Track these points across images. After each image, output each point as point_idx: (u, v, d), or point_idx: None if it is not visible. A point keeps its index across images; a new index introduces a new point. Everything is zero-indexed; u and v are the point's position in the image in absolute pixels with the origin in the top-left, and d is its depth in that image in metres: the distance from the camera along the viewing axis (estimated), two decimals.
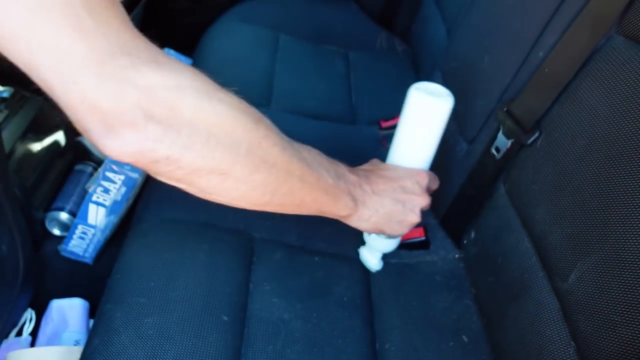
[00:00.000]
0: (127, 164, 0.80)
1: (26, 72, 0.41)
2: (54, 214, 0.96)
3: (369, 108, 1.21)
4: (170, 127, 0.43)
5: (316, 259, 0.84)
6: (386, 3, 1.46)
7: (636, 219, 0.52)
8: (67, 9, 0.39)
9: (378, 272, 0.84)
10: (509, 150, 0.72)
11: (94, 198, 0.84)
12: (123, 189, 0.83)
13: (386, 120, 1.14)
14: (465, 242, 0.84)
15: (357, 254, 0.85)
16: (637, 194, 0.52)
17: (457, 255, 0.86)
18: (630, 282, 0.51)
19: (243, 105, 0.51)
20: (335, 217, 0.67)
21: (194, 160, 0.46)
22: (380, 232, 0.71)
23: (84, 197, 0.90)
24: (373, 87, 1.28)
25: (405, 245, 0.87)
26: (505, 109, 0.73)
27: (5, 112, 0.94)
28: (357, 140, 1.12)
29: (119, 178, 0.82)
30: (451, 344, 0.74)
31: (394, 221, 0.69)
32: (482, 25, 0.88)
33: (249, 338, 0.70)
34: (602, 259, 0.55)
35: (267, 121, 0.53)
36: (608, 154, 0.57)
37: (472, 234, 0.81)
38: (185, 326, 0.69)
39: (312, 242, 0.86)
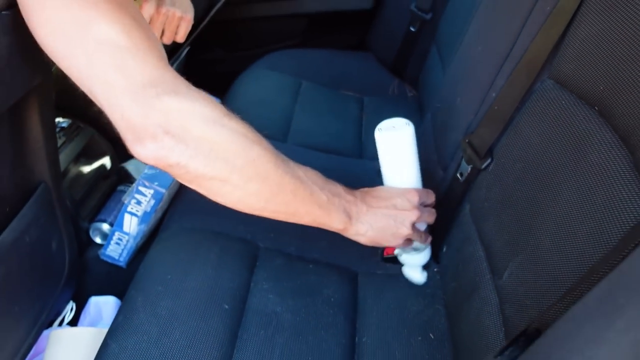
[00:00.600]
0: (157, 180, 0.98)
1: (92, 99, 0.58)
2: (97, 224, 1.14)
3: (374, 145, 1.35)
4: (181, 141, 0.58)
5: (311, 266, 0.97)
6: (399, 54, 1.63)
7: (551, 225, 0.64)
8: (116, 54, 0.56)
9: (364, 280, 0.97)
10: (469, 175, 0.86)
11: (129, 209, 1.02)
12: (152, 202, 1.00)
13: None
14: (439, 255, 0.96)
15: (347, 262, 0.98)
16: (554, 205, 0.65)
17: (435, 269, 0.98)
18: (540, 273, 0.63)
19: (244, 130, 0.64)
20: (332, 230, 0.78)
21: (198, 167, 0.60)
22: (377, 245, 0.82)
23: (119, 215, 1.08)
24: None
25: (390, 259, 1.00)
26: (467, 140, 0.87)
27: (63, 139, 1.13)
28: (362, 171, 1.26)
29: (149, 192, 0.99)
30: (419, 339, 0.86)
31: (388, 234, 0.81)
32: (458, 72, 1.03)
33: (245, 324, 0.84)
34: (525, 258, 0.68)
35: (266, 144, 0.66)
36: (537, 174, 0.70)
37: (444, 248, 0.94)
38: (193, 310, 0.83)
39: (309, 253, 1.00)
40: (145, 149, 0.58)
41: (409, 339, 0.86)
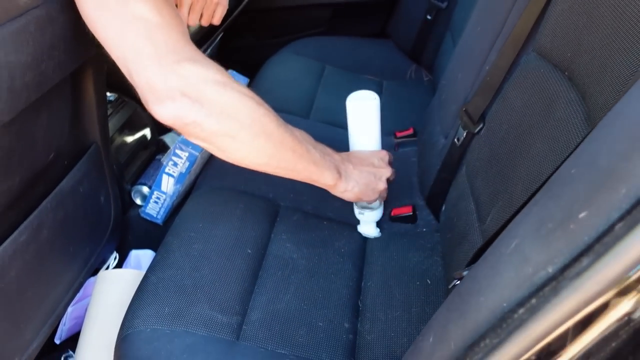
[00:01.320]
0: (191, 144, 1.11)
1: (119, 65, 0.70)
2: (138, 187, 1.29)
3: (389, 122, 1.46)
4: (197, 102, 0.68)
5: (325, 222, 1.10)
6: (416, 41, 1.74)
7: (524, 173, 0.75)
8: (147, 27, 0.67)
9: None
10: (465, 139, 0.97)
11: (166, 170, 1.16)
12: (187, 163, 1.14)
13: (400, 131, 1.39)
14: (440, 214, 1.07)
15: (356, 220, 1.10)
16: (527, 156, 0.75)
17: (437, 228, 1.09)
18: (513, 214, 0.74)
19: (251, 93, 0.74)
20: (323, 186, 0.88)
21: (211, 125, 0.70)
22: (360, 200, 0.96)
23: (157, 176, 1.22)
24: (397, 107, 1.54)
25: (398, 219, 1.12)
26: (464, 109, 0.97)
27: (111, 110, 1.28)
28: None
29: (184, 155, 1.13)
30: (417, 283, 0.97)
31: (369, 189, 0.93)
32: (461, 51, 1.13)
33: (265, 266, 0.97)
34: (502, 204, 0.78)
35: (267, 106, 0.76)
36: (517, 133, 0.81)
37: (443, 207, 1.05)
38: (220, 252, 0.96)
39: (323, 211, 1.12)
40: (165, 108, 0.67)
41: (408, 284, 0.98)
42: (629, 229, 0.34)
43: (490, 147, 0.88)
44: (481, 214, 0.86)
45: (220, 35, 1.64)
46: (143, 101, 0.69)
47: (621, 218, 0.35)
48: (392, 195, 1.16)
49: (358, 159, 0.93)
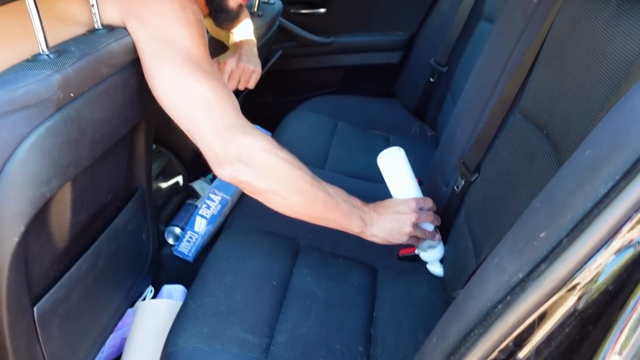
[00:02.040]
0: (224, 189, 1.27)
1: (187, 133, 0.87)
2: (171, 228, 1.44)
3: None
4: (248, 166, 0.86)
5: (340, 260, 1.24)
6: (420, 100, 1.92)
7: (511, 215, 0.89)
8: (207, 106, 0.85)
9: (383, 272, 1.22)
10: (463, 187, 1.12)
11: (200, 212, 1.31)
12: (219, 206, 1.29)
13: None
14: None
15: (369, 259, 1.24)
16: (514, 200, 0.90)
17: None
18: None
19: (290, 158, 0.92)
20: (353, 233, 1.03)
21: (259, 184, 0.89)
22: (388, 243, 1.07)
23: (190, 219, 1.38)
24: None
25: (404, 258, 1.26)
26: (462, 161, 1.13)
27: None
28: (385, 194, 1.53)
29: (217, 199, 1.28)
30: (423, 314, 1.10)
31: (395, 233, 1.06)
32: (458, 111, 1.31)
33: (288, 296, 1.11)
34: (494, 241, 0.92)
35: (305, 168, 0.94)
36: (506, 180, 0.96)
37: (446, 247, 1.19)
38: (249, 283, 1.10)
39: (339, 250, 1.26)
40: (225, 171, 0.87)
41: (415, 314, 1.11)
42: (571, 242, 0.49)
43: (484, 193, 1.04)
44: (477, 250, 1.01)
45: (244, 94, 1.83)
46: (209, 164, 0.88)
47: (567, 235, 0.50)
48: None
49: (384, 208, 1.07)
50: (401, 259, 1.26)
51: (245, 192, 0.92)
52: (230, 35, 1.34)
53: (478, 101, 1.16)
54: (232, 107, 0.88)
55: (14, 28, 0.86)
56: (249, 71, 1.24)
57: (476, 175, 1.08)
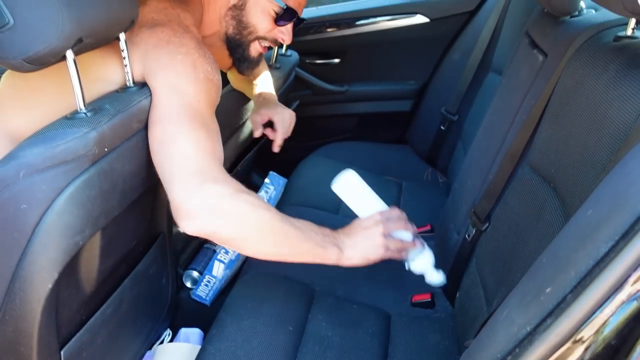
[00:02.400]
0: None
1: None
2: (189, 272, 1.48)
3: (409, 219, 1.66)
4: (214, 216, 0.85)
5: (355, 306, 1.26)
6: (432, 147, 1.97)
7: (521, 265, 0.92)
8: (183, 159, 0.86)
9: (396, 319, 1.24)
10: (474, 236, 1.15)
11: (218, 257, 1.35)
12: (237, 252, 1.33)
13: (419, 227, 1.58)
14: (454, 300, 1.24)
15: (383, 304, 1.26)
16: (524, 250, 0.93)
17: (453, 313, 1.25)
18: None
19: (257, 201, 0.88)
20: (330, 263, 0.97)
21: (227, 233, 0.87)
22: (368, 261, 1.03)
23: (208, 263, 1.42)
24: (415, 205, 1.74)
25: (418, 304, 1.28)
26: (472, 210, 1.17)
27: None
28: None
29: None
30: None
31: (370, 249, 1.00)
32: (469, 161, 1.35)
33: (304, 341, 1.13)
34: (506, 290, 0.96)
35: (273, 208, 0.92)
36: (515, 231, 1.00)
37: (458, 294, 1.22)
38: (266, 328, 1.13)
39: (353, 296, 1.29)
40: (189, 224, 0.84)
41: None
42: (575, 298, 0.53)
43: (495, 243, 1.07)
44: (489, 299, 1.03)
45: (264, 140, 1.89)
46: (173, 215, 0.86)
47: (571, 291, 0.53)
48: (413, 283, 1.34)
49: (352, 229, 1.03)
50: (415, 305, 1.29)
51: (215, 242, 0.91)
52: (253, 87, 1.41)
53: (488, 152, 1.20)
54: (210, 159, 0.88)
55: (50, 87, 0.93)
56: (288, 122, 1.30)
57: (487, 224, 1.12)
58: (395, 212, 1.09)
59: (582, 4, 1.06)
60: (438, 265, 1.34)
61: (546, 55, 1.05)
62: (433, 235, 1.53)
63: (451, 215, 1.36)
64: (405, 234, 1.07)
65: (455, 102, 1.87)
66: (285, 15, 1.14)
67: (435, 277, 1.10)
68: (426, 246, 1.10)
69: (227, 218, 0.86)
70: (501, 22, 1.69)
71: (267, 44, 1.19)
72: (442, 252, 1.36)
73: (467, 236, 1.18)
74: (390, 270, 1.39)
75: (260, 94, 1.38)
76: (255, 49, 1.19)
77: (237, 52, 1.19)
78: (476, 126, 1.51)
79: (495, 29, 1.72)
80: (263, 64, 1.50)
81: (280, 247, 0.92)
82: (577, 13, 1.05)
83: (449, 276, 1.28)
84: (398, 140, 2.20)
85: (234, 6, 1.12)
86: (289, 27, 1.17)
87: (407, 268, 1.13)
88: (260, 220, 0.88)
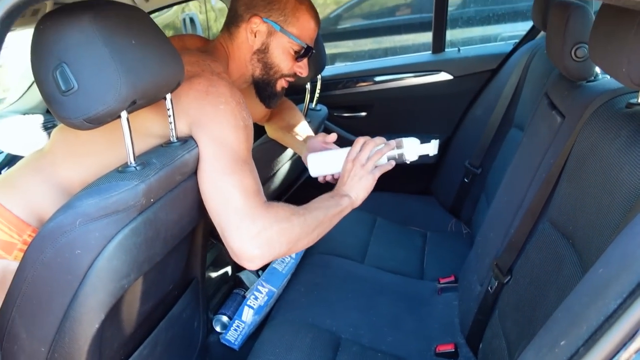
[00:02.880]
0: (271, 282, 1.37)
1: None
2: (219, 316, 1.53)
3: (433, 269, 1.70)
4: (270, 250, 0.99)
5: (379, 355, 1.29)
6: (456, 199, 2.02)
7: (542, 317, 0.95)
8: (233, 211, 0.98)
9: None
10: (496, 288, 1.19)
11: (248, 302, 1.40)
12: (266, 298, 1.38)
13: (443, 277, 1.61)
14: (478, 351, 1.26)
15: (407, 354, 1.29)
16: (544, 303, 0.97)
17: None
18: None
19: (290, 211, 1.03)
20: (349, 210, 1.15)
21: (282, 253, 1.02)
22: (369, 191, 1.18)
23: (238, 308, 1.47)
24: (440, 256, 1.78)
25: (442, 354, 1.31)
26: (495, 263, 1.21)
27: None
28: (422, 289, 1.60)
29: (265, 290, 1.38)
30: None
31: (364, 182, 1.17)
32: (491, 215, 1.39)
33: None
34: (526, 343, 0.98)
35: (301, 210, 1.05)
36: (537, 284, 1.03)
37: (481, 345, 1.24)
38: None
39: (378, 345, 1.32)
40: (252, 265, 1.00)
41: None
42: (587, 351, 0.57)
43: (517, 295, 1.10)
44: (511, 351, 1.06)
45: (294, 189, 1.96)
46: (234, 258, 1.01)
47: (583, 345, 0.58)
48: (437, 333, 1.37)
49: (343, 181, 1.19)
50: (439, 355, 1.31)
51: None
52: (294, 135, 1.51)
53: (509, 206, 1.25)
54: (254, 198, 1.00)
55: (99, 141, 1.02)
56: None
57: (509, 277, 1.15)
58: (358, 144, 1.20)
59: (597, 70, 1.12)
60: (461, 317, 1.38)
61: (564, 117, 1.11)
62: (457, 285, 1.56)
63: (474, 267, 1.40)
64: (377, 157, 1.19)
65: (478, 156, 1.93)
66: (303, 52, 1.24)
67: (432, 149, 1.19)
68: (404, 140, 1.20)
69: (279, 244, 1.00)
70: (522, 80, 1.76)
71: (289, 78, 1.30)
72: (465, 302, 1.40)
73: (489, 288, 1.21)
74: (415, 320, 1.42)
75: (308, 137, 1.47)
76: (280, 85, 1.29)
77: (266, 90, 1.29)
78: (499, 179, 1.56)
79: (517, 86, 1.79)
80: (301, 115, 1.60)
81: (317, 231, 1.09)
82: (592, 78, 1.12)
83: (471, 327, 1.31)
84: (422, 191, 2.25)
85: (258, 50, 1.22)
86: (305, 61, 1.28)
87: (409, 162, 1.22)
88: (300, 227, 1.04)
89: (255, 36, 1.21)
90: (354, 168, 1.18)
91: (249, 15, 1.19)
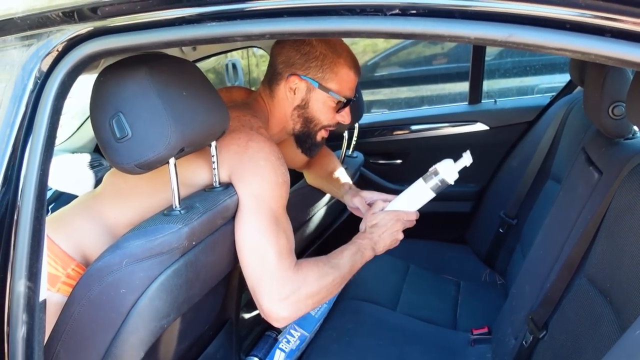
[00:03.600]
0: (304, 326, 1.38)
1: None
2: (251, 358, 1.53)
3: (466, 320, 1.68)
4: (297, 310, 1.01)
5: None
6: (490, 249, 2.00)
7: None
8: (267, 270, 1.00)
9: None
10: (531, 342, 1.17)
11: (280, 346, 1.41)
12: (298, 342, 1.39)
13: (477, 329, 1.59)
14: None
15: None
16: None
17: None
18: None
19: (318, 271, 1.05)
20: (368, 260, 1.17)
21: (311, 308, 1.04)
22: (388, 248, 1.21)
23: (269, 350, 1.48)
24: (473, 306, 1.76)
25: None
26: (530, 317, 1.20)
27: None
28: (454, 339, 1.58)
29: (297, 335, 1.39)
30: None
31: (390, 242, 1.21)
32: (527, 267, 1.39)
33: None
34: None
35: (328, 268, 1.06)
36: (573, 342, 1.02)
37: None
38: None
39: None
40: (281, 323, 1.04)
41: None
42: None
43: (552, 351, 1.09)
44: None
45: (328, 234, 1.98)
46: (262, 314, 1.04)
47: None
48: None
49: (378, 228, 1.20)
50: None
51: None
52: (334, 181, 1.54)
53: (545, 260, 1.24)
54: (286, 258, 1.03)
55: (145, 186, 1.08)
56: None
57: (544, 332, 1.14)
58: (414, 214, 1.25)
59: (635, 128, 1.13)
60: None
61: (601, 173, 1.12)
62: (490, 337, 1.54)
63: (509, 320, 1.38)
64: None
65: (514, 207, 1.92)
66: (343, 104, 1.26)
67: (467, 160, 1.22)
68: (437, 166, 1.21)
69: (305, 306, 1.03)
70: (560, 133, 1.76)
71: (331, 128, 1.32)
72: (499, 356, 1.38)
73: (524, 342, 1.20)
74: None
75: (347, 183, 1.51)
76: (320, 135, 1.32)
77: (306, 142, 1.32)
78: (535, 231, 1.55)
79: (554, 139, 1.79)
80: (338, 162, 1.63)
81: (341, 287, 1.12)
82: (630, 135, 1.12)
83: None
84: (457, 240, 2.24)
85: (298, 106, 1.25)
86: (347, 110, 1.30)
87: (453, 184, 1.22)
88: (326, 289, 1.06)
89: (294, 93, 1.23)
90: (394, 225, 1.20)
91: (288, 74, 1.22)
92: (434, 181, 1.19)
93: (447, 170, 1.20)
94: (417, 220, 1.24)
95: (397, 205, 1.24)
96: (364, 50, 4.01)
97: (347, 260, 1.11)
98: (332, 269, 1.07)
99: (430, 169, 1.21)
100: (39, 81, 0.81)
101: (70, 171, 2.02)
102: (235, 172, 1.05)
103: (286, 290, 1.00)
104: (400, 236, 1.22)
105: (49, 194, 1.88)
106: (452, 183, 1.21)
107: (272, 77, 1.26)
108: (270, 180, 1.05)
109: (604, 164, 1.13)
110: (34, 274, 0.78)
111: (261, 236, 1.02)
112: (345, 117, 1.30)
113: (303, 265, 1.05)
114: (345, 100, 1.26)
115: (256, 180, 1.05)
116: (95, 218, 1.08)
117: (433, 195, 1.21)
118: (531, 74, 3.19)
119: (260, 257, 1.02)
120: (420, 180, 1.22)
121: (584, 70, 1.37)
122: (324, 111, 1.26)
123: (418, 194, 1.23)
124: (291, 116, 1.27)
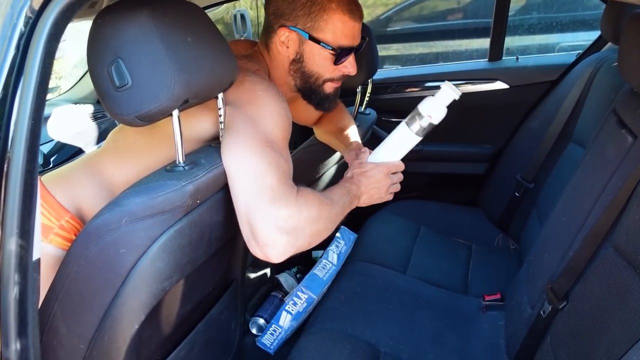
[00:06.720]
0: (312, 289, 1.33)
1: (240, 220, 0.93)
2: (255, 318, 1.50)
3: (478, 285, 1.63)
4: (291, 245, 0.90)
5: None
6: (504, 213, 1.94)
7: (603, 352, 0.89)
8: (264, 193, 0.89)
9: None
10: (550, 313, 1.12)
11: (287, 308, 1.37)
12: (305, 304, 1.35)
13: (489, 294, 1.55)
14: None
15: None
16: (605, 337, 0.90)
17: None
18: None
19: (317, 200, 0.96)
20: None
21: (306, 245, 0.94)
22: (372, 203, 1.15)
23: (275, 312, 1.44)
24: (485, 271, 1.71)
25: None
26: (550, 286, 1.14)
27: None
28: (465, 305, 1.54)
29: (304, 297, 1.34)
30: None
31: (376, 196, 1.15)
32: (548, 234, 1.32)
33: None
34: None
35: (325, 201, 0.98)
36: (596, 314, 0.97)
37: None
38: None
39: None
40: (272, 249, 0.90)
41: None
42: None
43: (573, 324, 1.04)
44: None
45: None
46: (259, 252, 0.93)
47: None
48: (481, 354, 1.31)
49: (366, 178, 1.13)
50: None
51: None
52: (343, 138, 1.46)
53: (568, 228, 1.18)
54: (288, 177, 0.94)
55: (143, 143, 1.02)
56: None
57: (565, 303, 1.08)
58: (402, 166, 1.19)
59: None
60: (508, 339, 1.32)
61: (636, 137, 1.04)
62: (503, 304, 1.49)
63: (525, 288, 1.33)
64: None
65: (532, 170, 1.84)
66: (341, 54, 1.16)
67: (454, 93, 1.08)
68: (418, 107, 1.10)
69: (303, 235, 0.92)
70: (585, 94, 1.67)
71: (338, 80, 1.23)
72: (513, 324, 1.33)
73: (542, 312, 1.15)
74: (458, 338, 1.37)
75: (355, 142, 1.43)
76: (328, 87, 1.23)
77: (313, 98, 1.24)
78: (553, 196, 1.49)
79: (579, 100, 1.70)
80: (351, 119, 1.55)
81: (336, 222, 1.02)
82: None
83: (519, 351, 1.24)
84: (469, 202, 2.17)
85: (294, 60, 1.17)
86: (350, 60, 1.20)
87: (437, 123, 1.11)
88: (324, 221, 0.97)
89: (287, 47, 1.15)
90: (383, 179, 1.14)
91: (277, 26, 1.14)
92: (418, 124, 1.09)
93: (430, 109, 1.08)
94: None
95: (380, 154, 1.16)
96: (374, 3, 3.87)
97: (339, 198, 1.04)
98: (330, 201, 1.00)
99: (411, 112, 1.11)
100: (30, 21, 0.74)
101: (72, 122, 1.95)
102: (231, 102, 0.96)
103: (287, 211, 0.89)
104: (388, 196, 1.17)
105: (50, 145, 1.84)
106: (437, 123, 1.10)
107: (265, 30, 1.18)
108: (267, 108, 0.97)
109: (638, 127, 1.05)
110: (26, 232, 0.72)
111: (257, 154, 0.91)
112: (349, 67, 1.20)
113: (302, 190, 0.96)
114: (339, 51, 1.15)
115: (252, 106, 0.97)
116: (93, 173, 1.04)
117: (418, 139, 1.11)
118: (556, 31, 3.05)
119: (257, 176, 0.90)
120: (403, 123, 1.12)
121: (619, 25, 1.27)
122: (322, 64, 1.17)
123: (402, 140, 1.13)
124: (289, 71, 1.19)
